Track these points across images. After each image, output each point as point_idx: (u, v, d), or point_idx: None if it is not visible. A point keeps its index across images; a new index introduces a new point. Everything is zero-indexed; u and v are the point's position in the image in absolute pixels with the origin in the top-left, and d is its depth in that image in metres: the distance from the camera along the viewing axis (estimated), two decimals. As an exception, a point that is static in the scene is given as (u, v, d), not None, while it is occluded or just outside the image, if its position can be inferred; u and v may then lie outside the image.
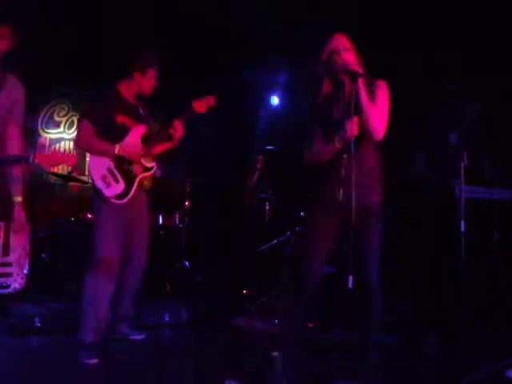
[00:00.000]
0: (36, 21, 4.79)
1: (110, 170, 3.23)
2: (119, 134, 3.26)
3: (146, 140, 3.36)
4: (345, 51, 2.62)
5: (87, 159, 5.85)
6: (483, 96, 3.67)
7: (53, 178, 5.79)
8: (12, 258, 4.35)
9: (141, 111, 3.45)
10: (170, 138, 3.44)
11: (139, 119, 3.39)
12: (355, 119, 2.58)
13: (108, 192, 3.18)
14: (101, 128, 3.21)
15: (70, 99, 6.21)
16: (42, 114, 6.14)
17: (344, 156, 2.62)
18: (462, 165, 3.13)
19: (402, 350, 3.43)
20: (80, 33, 5.11)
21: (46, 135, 6.17)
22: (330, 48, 2.63)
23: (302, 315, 2.70)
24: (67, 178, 5.24)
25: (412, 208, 3.72)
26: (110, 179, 3.20)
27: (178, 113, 3.46)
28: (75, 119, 6.19)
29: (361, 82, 2.56)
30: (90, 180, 3.37)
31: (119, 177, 3.24)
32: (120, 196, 3.21)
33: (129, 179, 3.27)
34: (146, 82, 3.36)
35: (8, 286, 4.28)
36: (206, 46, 5.15)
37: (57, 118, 6.21)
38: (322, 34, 2.71)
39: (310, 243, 2.70)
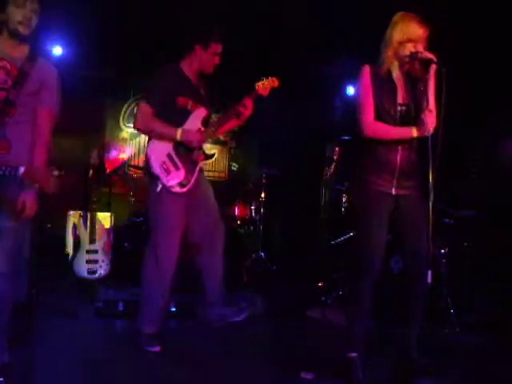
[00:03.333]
0: (113, 20, 5.00)
1: (169, 156, 3.06)
2: (180, 116, 3.09)
3: (207, 123, 3.19)
4: (421, 42, 2.51)
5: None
6: None
7: (133, 171, 6.03)
8: (98, 245, 4.59)
9: (202, 92, 3.24)
10: (238, 115, 3.21)
11: (201, 101, 3.19)
12: (434, 113, 2.48)
13: (168, 180, 3.01)
14: (161, 110, 3.03)
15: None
16: (124, 110, 6.39)
17: (400, 147, 2.55)
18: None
19: (488, 351, 3.28)
20: (157, 31, 5.23)
21: (126, 130, 6.43)
22: (407, 36, 2.50)
23: (369, 306, 2.62)
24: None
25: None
26: (170, 166, 3.04)
27: (240, 94, 3.27)
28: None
29: (433, 71, 2.46)
30: (145, 167, 3.16)
31: (179, 164, 3.06)
32: (181, 184, 3.04)
33: (189, 166, 3.09)
34: (207, 57, 3.13)
35: (95, 272, 4.53)
36: (282, 33, 5.11)
37: (137, 113, 6.44)
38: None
39: (367, 230, 2.60)
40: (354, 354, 2.60)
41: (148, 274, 3.09)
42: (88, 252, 4.53)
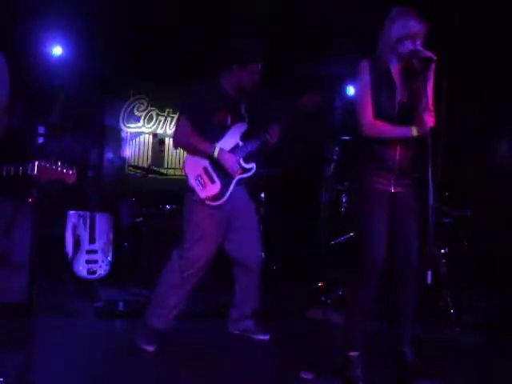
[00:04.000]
0: (112, 20, 4.99)
1: (205, 170, 3.07)
2: (218, 131, 3.12)
3: (246, 137, 3.18)
4: (420, 38, 2.50)
5: (183, 155, 6.08)
6: None
7: (133, 171, 6.03)
8: (97, 245, 4.60)
9: (241, 107, 3.25)
10: (265, 142, 3.23)
11: (240, 115, 3.21)
12: (432, 112, 2.48)
13: (202, 193, 3.03)
14: (200, 126, 3.06)
15: (148, 95, 6.42)
16: (123, 110, 6.39)
17: (399, 145, 2.55)
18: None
19: (488, 351, 3.28)
20: (157, 31, 5.23)
21: (126, 130, 6.43)
22: (406, 32, 2.48)
23: (370, 305, 2.61)
24: (147, 170, 5.42)
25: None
26: (206, 179, 3.05)
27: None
28: (154, 114, 6.40)
29: (432, 69, 2.46)
30: (184, 175, 3.14)
31: (215, 177, 3.07)
32: (215, 198, 3.05)
33: (225, 179, 3.10)
34: (246, 75, 3.11)
35: (94, 272, 4.53)
36: (282, 33, 5.10)
37: (136, 113, 6.44)
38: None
39: (369, 230, 2.58)
40: (353, 353, 2.60)
41: (168, 276, 3.04)
42: (88, 252, 4.53)
